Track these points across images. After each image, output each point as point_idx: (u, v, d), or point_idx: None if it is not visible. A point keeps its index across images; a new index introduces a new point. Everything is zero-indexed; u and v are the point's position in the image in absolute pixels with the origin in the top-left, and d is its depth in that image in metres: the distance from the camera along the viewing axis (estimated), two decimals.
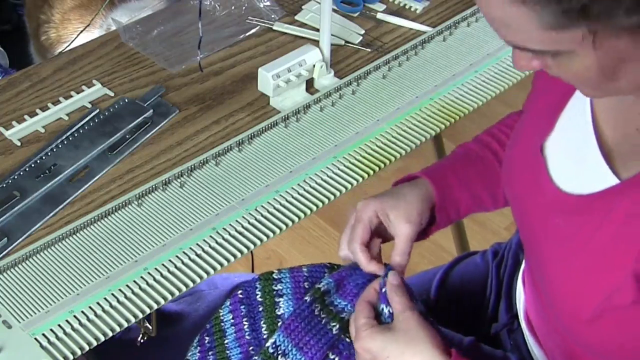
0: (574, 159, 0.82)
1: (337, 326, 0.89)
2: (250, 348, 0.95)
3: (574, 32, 0.65)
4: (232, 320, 0.97)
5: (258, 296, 0.96)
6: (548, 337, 0.95)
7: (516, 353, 1.04)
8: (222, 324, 0.98)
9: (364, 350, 0.84)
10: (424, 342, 0.82)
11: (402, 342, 0.82)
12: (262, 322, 0.95)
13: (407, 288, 0.88)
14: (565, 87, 0.84)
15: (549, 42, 0.67)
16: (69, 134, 1.17)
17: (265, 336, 0.94)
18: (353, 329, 0.87)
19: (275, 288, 0.95)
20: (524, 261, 1.08)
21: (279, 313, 0.94)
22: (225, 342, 0.97)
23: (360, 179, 1.12)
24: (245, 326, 0.96)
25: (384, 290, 0.87)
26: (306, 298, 0.91)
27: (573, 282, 0.79)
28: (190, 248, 1.01)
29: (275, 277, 0.96)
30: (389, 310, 0.86)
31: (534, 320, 0.99)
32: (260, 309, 0.95)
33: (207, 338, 0.99)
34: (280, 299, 0.94)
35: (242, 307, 0.97)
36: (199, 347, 0.99)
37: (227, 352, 0.97)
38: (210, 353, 0.98)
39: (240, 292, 0.98)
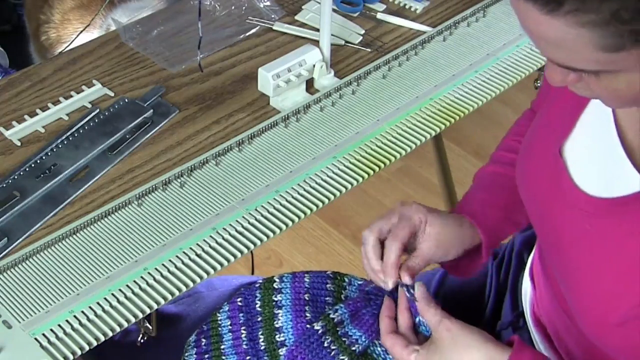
0: (597, 161, 0.81)
1: (346, 359, 0.88)
2: (247, 358, 0.95)
3: (631, 53, 0.63)
4: (230, 327, 0.97)
5: (257, 305, 0.96)
6: (565, 335, 0.94)
7: None
8: (220, 328, 0.98)
9: None
10: (476, 340, 0.82)
11: (454, 350, 0.82)
12: (259, 333, 0.95)
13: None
14: None
15: (602, 63, 0.65)
16: (69, 134, 1.17)
17: (262, 347, 0.94)
18: None
19: (275, 299, 0.95)
20: (529, 260, 1.08)
21: (277, 325, 0.94)
22: (222, 347, 0.97)
23: (360, 179, 1.12)
24: (243, 335, 0.96)
25: (415, 303, 0.86)
26: (317, 328, 0.89)
27: (603, 287, 0.78)
28: (190, 248, 1.01)
29: (276, 286, 0.95)
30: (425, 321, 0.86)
31: (546, 319, 0.99)
32: (259, 319, 0.95)
33: (203, 340, 0.99)
34: (280, 311, 0.94)
35: (241, 314, 0.97)
36: (195, 349, 0.99)
37: (223, 357, 0.97)
38: (206, 356, 0.98)
39: (239, 299, 0.97)
